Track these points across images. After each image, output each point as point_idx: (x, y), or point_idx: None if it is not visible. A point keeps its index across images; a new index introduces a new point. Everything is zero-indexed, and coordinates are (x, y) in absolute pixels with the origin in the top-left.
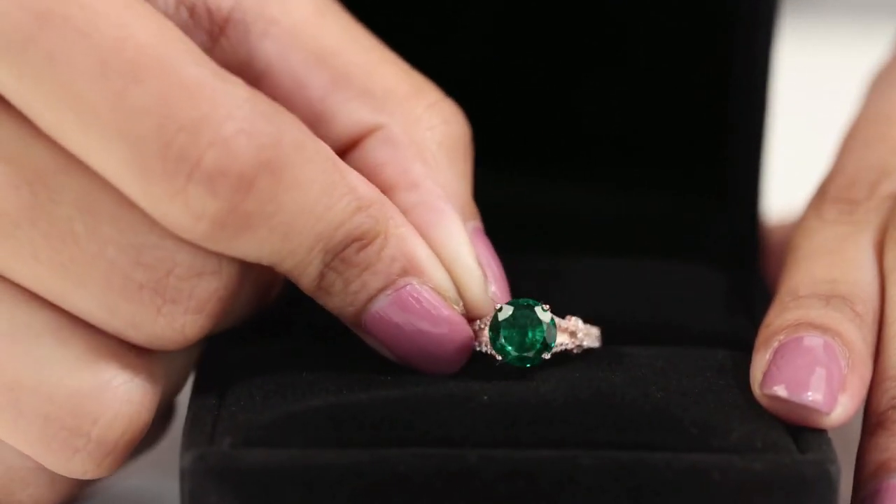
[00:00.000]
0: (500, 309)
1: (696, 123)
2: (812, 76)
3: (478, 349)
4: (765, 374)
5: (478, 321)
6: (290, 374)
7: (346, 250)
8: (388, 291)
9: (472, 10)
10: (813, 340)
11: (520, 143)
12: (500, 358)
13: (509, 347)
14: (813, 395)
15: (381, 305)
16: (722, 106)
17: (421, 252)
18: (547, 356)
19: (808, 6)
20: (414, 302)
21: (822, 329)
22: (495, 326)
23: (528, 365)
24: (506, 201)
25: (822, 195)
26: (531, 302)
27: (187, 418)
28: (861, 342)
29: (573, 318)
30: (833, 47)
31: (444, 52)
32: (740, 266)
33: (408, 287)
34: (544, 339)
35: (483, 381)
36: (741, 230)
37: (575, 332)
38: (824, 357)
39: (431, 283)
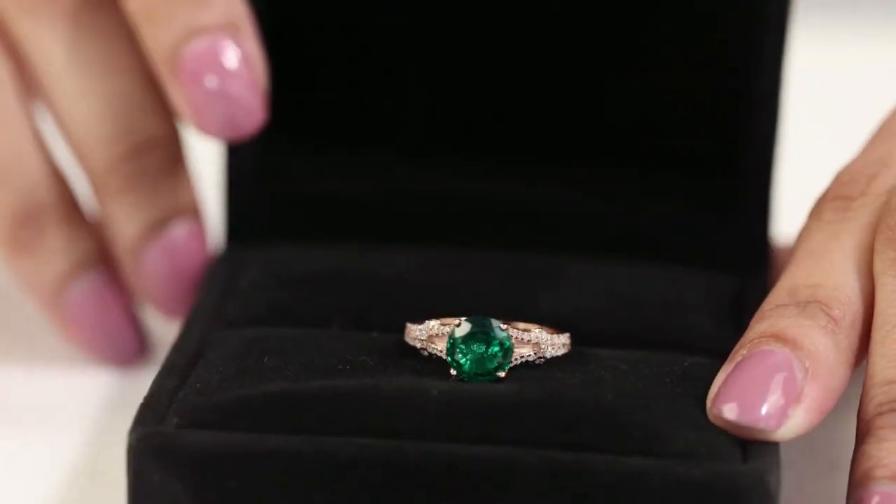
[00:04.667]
0: (459, 324)
1: (708, 129)
2: (826, 80)
3: (437, 355)
4: (715, 397)
5: (435, 327)
6: (252, 360)
7: None
8: (210, 37)
9: (481, 6)
10: (769, 356)
11: (530, 142)
12: (453, 373)
13: (465, 365)
14: (758, 415)
15: (197, 48)
16: (734, 111)
17: (247, 22)
18: (502, 374)
19: (821, 7)
20: (228, 54)
21: (783, 340)
22: (452, 342)
23: (482, 380)
24: (516, 199)
25: (824, 194)
26: (489, 319)
27: (145, 397)
28: (829, 349)
29: (536, 330)
30: (847, 51)
31: (453, 49)
32: (749, 273)
33: (226, 39)
34: (500, 357)
35: (437, 378)
36: (751, 236)
37: (539, 344)
38: (777, 372)
39: (248, 49)
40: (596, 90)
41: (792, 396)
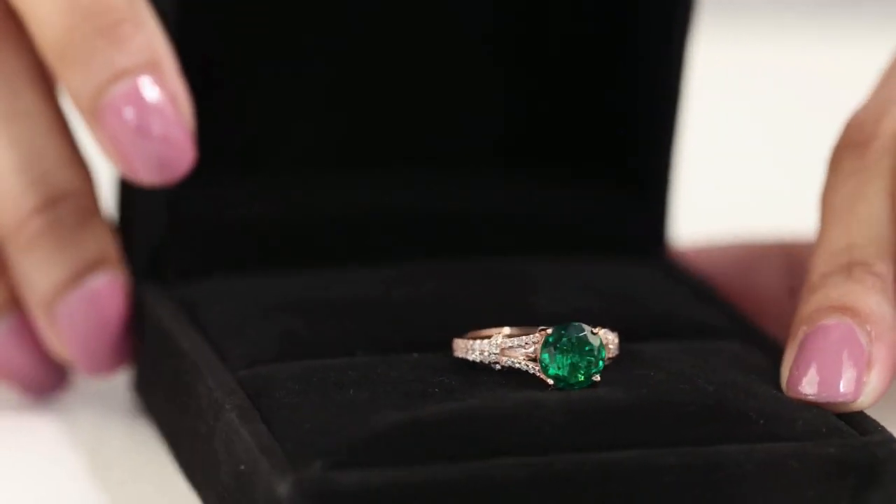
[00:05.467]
0: (553, 333)
1: (610, 125)
2: (726, 72)
3: (524, 369)
4: (790, 376)
5: (506, 340)
6: (339, 394)
7: (98, 18)
8: (131, 78)
9: (370, 16)
10: (832, 330)
11: (432, 150)
12: (551, 383)
13: (563, 373)
14: (837, 391)
15: (120, 92)
16: (632, 101)
17: (168, 57)
18: (597, 378)
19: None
20: (152, 94)
21: (841, 310)
22: (548, 352)
23: (578, 387)
24: (421, 205)
25: (838, 144)
26: (577, 325)
27: (253, 446)
28: (884, 306)
29: (602, 330)
30: (748, 42)
31: (338, 58)
32: (654, 256)
33: (148, 79)
34: (594, 362)
35: (536, 390)
36: (655, 223)
37: (608, 345)
38: (844, 344)
39: (171, 86)
40: (498, 92)
41: (863, 364)
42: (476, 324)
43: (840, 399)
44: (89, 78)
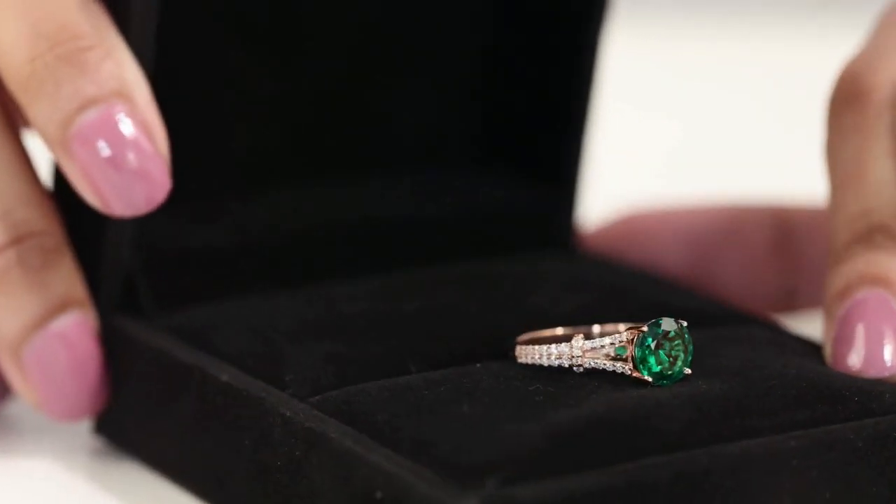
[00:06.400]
0: (650, 330)
1: (516, 117)
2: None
3: (609, 369)
4: (834, 355)
5: (587, 343)
6: (451, 410)
7: (63, 46)
8: (101, 107)
9: (285, 34)
10: (865, 303)
11: (360, 157)
12: (650, 380)
13: (662, 370)
14: (883, 365)
15: (88, 121)
16: (543, 98)
17: (140, 85)
18: (689, 371)
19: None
20: (123, 124)
21: (871, 281)
22: (645, 349)
23: (671, 382)
24: (342, 217)
25: (834, 97)
26: (666, 321)
27: (395, 471)
28: None
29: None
30: (747, 40)
31: (268, 74)
32: (571, 247)
33: (118, 108)
34: (687, 356)
35: (635, 388)
36: (568, 214)
37: None
38: (880, 317)
39: (144, 114)
40: (411, 96)
41: None
42: (503, 329)
43: (887, 372)
44: (56, 108)
